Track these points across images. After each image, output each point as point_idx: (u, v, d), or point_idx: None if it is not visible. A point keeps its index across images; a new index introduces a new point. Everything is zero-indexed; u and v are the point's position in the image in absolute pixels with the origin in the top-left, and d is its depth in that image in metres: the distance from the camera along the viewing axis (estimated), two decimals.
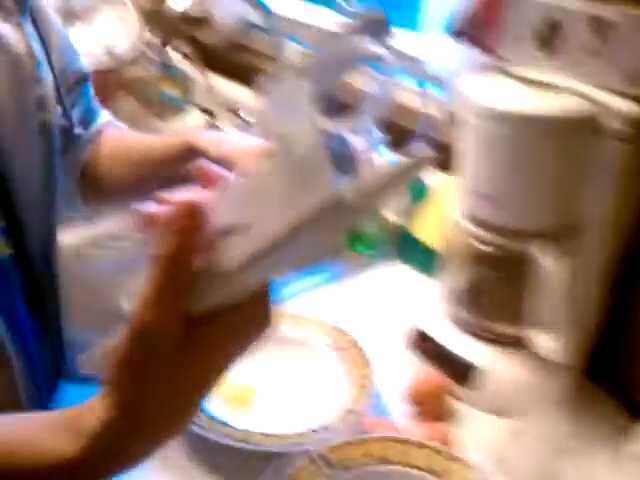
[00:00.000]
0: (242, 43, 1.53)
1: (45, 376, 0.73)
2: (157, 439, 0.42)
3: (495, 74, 0.79)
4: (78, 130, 0.80)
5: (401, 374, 0.84)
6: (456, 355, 0.84)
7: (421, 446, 0.68)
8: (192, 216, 0.40)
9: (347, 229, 0.45)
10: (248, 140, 0.70)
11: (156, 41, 1.57)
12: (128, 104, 1.55)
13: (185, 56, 1.49)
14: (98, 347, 0.44)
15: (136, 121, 1.57)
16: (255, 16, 1.44)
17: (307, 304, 0.97)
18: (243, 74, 1.48)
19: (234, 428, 0.72)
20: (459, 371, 0.83)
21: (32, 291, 0.69)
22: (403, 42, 1.16)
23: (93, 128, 0.84)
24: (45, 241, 0.73)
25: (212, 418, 0.73)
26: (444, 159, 1.09)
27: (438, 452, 0.68)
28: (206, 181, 0.45)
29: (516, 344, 0.81)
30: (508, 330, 0.82)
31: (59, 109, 0.73)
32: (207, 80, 1.47)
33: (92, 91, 0.85)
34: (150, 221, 0.44)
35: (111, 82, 1.41)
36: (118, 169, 0.83)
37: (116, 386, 0.41)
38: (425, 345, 0.87)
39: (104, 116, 0.87)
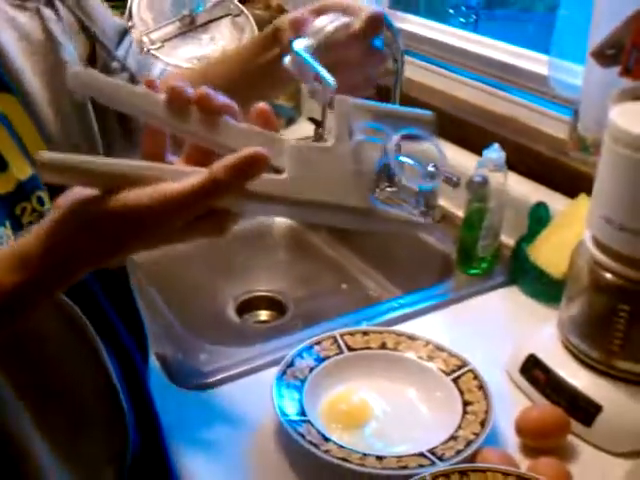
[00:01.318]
0: None
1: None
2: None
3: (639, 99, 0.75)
4: (140, 77, 0.78)
5: (513, 404, 0.81)
6: (573, 388, 0.80)
7: None
8: (256, 166, 0.45)
9: (359, 228, 0.54)
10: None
11: None
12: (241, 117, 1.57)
13: None
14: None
15: (247, 130, 1.59)
16: None
17: (420, 326, 0.95)
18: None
19: (350, 450, 0.71)
20: (575, 405, 0.79)
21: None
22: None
23: (155, 72, 0.83)
24: None
25: (327, 439, 0.72)
26: (567, 183, 1.06)
27: None
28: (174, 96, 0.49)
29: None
30: (634, 367, 0.78)
31: (117, 65, 0.73)
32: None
33: (135, 44, 0.83)
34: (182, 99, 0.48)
35: None
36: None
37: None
38: (540, 375, 0.84)
39: (159, 65, 0.86)
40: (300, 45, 0.67)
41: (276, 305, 1.28)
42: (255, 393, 0.82)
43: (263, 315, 1.28)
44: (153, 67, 0.84)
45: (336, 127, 0.53)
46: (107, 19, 0.76)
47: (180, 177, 0.46)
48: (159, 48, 1.38)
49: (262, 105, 0.52)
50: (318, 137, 1.52)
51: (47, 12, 0.66)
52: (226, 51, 0.80)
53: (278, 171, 0.51)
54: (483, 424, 0.74)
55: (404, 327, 0.94)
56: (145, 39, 1.37)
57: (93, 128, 0.69)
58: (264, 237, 1.40)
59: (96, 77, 0.50)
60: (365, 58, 0.71)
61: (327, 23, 0.68)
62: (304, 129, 1.58)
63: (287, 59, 0.68)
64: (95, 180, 0.47)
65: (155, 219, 0.45)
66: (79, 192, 0.47)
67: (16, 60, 0.62)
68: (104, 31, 0.73)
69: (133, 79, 0.76)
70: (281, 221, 1.43)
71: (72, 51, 0.68)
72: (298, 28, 0.68)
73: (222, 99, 0.50)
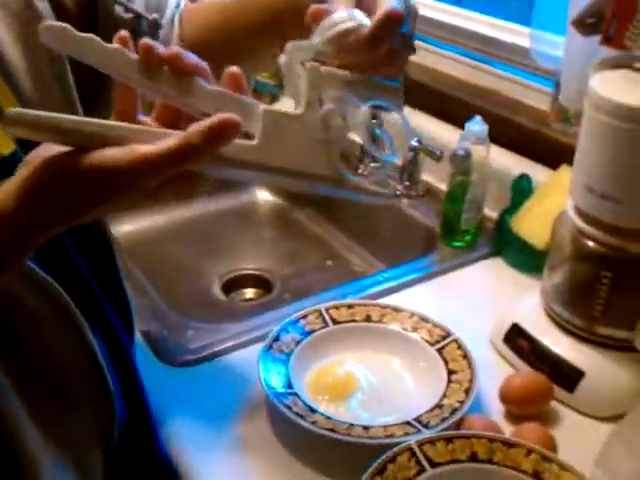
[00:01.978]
0: None
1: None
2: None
3: (621, 67, 0.76)
4: (153, 16, 0.74)
5: (497, 372, 0.82)
6: (556, 355, 0.81)
7: (529, 450, 0.66)
8: (229, 131, 0.46)
9: (326, 194, 0.55)
10: None
11: None
12: None
13: None
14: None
15: None
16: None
17: (405, 299, 0.96)
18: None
19: (336, 421, 0.71)
20: (558, 371, 0.80)
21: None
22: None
23: (170, 10, 0.77)
24: None
25: (314, 410, 0.73)
26: (549, 155, 1.07)
27: (545, 457, 0.66)
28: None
29: (622, 347, 0.78)
30: (615, 333, 0.79)
31: (121, 10, 0.71)
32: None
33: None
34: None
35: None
36: (210, 30, 0.76)
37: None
38: (523, 343, 0.84)
39: (172, 1, 0.79)
40: (293, 50, 0.59)
41: (262, 283, 1.28)
42: (242, 368, 0.83)
43: (249, 293, 1.28)
44: (167, 4, 0.77)
45: (307, 94, 0.53)
46: None
47: (151, 139, 0.47)
48: None
49: (234, 69, 0.52)
50: None
51: None
52: None
53: (249, 136, 0.51)
54: (467, 392, 0.74)
55: (389, 300, 0.95)
56: None
57: (74, 98, 0.68)
58: (249, 215, 1.40)
59: (69, 32, 0.50)
60: (378, 63, 0.62)
61: (337, 22, 0.58)
62: (287, 106, 1.56)
63: (282, 59, 0.64)
64: (65, 137, 0.47)
65: (131, 180, 0.46)
66: (51, 148, 0.47)
67: None
68: None
69: (140, 20, 0.73)
70: (266, 199, 1.43)
71: (53, 19, 0.66)
72: (316, 20, 0.58)
73: (194, 59, 0.50)
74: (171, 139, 0.46)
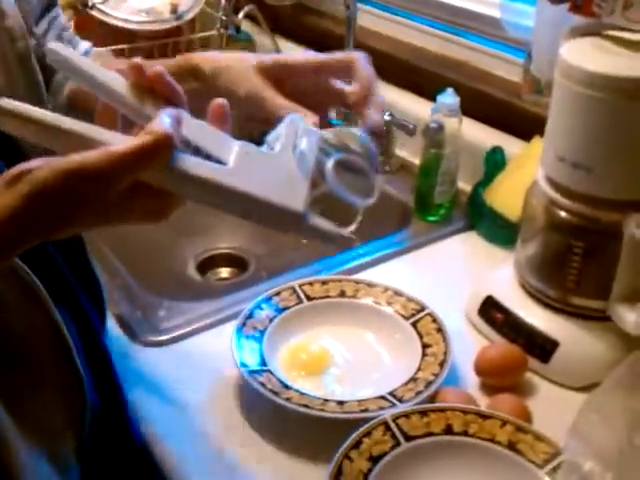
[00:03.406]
0: (308, 5, 1.50)
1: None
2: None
3: (590, 35, 0.75)
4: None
5: (472, 344, 0.82)
6: (530, 326, 0.81)
7: (504, 422, 0.66)
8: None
9: (276, 229, 0.55)
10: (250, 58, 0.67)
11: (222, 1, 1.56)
12: None
13: (251, 18, 1.47)
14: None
15: None
16: None
17: (380, 274, 0.95)
18: (310, 37, 1.46)
19: (310, 396, 0.71)
20: (532, 343, 0.80)
21: None
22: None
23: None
24: None
25: (288, 387, 0.72)
26: (522, 127, 1.06)
27: (519, 428, 0.66)
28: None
29: (596, 317, 0.78)
30: (589, 303, 0.79)
31: (33, 41, 0.69)
32: (275, 43, 1.44)
33: (66, 22, 0.80)
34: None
35: (178, 44, 1.40)
36: None
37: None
38: (498, 315, 0.84)
39: (86, 45, 0.82)
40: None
41: (237, 262, 1.27)
42: (215, 347, 0.82)
43: (224, 272, 1.27)
44: (77, 45, 0.80)
45: (284, 139, 0.56)
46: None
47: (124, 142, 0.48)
48: (104, 2, 1.33)
49: (219, 102, 0.54)
50: None
51: None
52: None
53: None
54: (442, 365, 0.74)
55: (364, 275, 0.94)
56: None
57: (38, 79, 0.67)
58: None
59: (74, 58, 0.54)
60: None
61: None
62: None
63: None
64: (44, 132, 0.48)
65: (113, 177, 0.46)
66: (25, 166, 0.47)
67: None
68: (27, 2, 0.70)
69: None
70: None
71: (11, 1, 0.65)
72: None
73: (172, 83, 0.53)
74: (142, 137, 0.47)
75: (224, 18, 1.22)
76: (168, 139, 0.47)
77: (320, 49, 1.40)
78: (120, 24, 1.33)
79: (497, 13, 1.11)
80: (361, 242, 1.17)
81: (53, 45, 0.54)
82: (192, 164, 0.49)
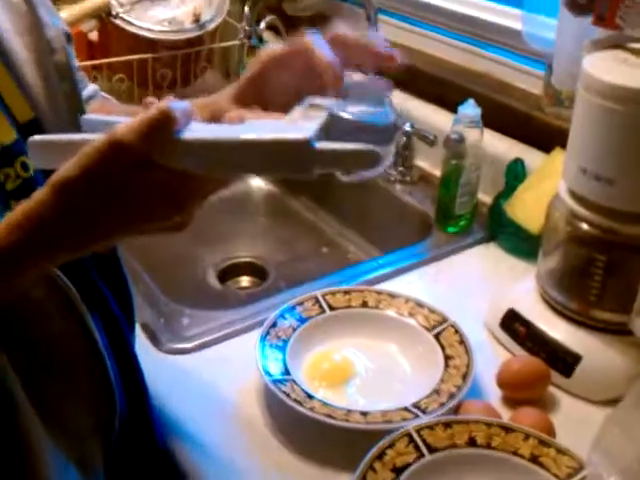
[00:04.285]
0: (329, 15, 1.51)
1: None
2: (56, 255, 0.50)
3: (613, 48, 0.75)
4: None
5: (494, 357, 0.82)
6: (552, 339, 0.81)
7: (527, 435, 0.67)
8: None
9: (292, 171, 0.52)
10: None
11: (243, 12, 1.57)
12: (212, 76, 1.55)
13: (271, 28, 1.48)
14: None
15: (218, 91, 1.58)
16: None
17: (400, 285, 0.96)
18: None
19: (334, 407, 0.71)
20: (554, 356, 0.80)
21: None
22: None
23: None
24: None
25: (311, 397, 0.73)
26: (543, 138, 1.07)
27: (542, 442, 0.66)
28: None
29: (618, 331, 0.78)
30: (611, 317, 0.79)
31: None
32: None
33: (76, 60, 0.79)
34: None
35: (200, 54, 1.41)
36: None
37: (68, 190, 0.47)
38: (520, 328, 0.85)
39: (93, 87, 0.83)
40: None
41: (257, 271, 1.27)
42: (238, 355, 0.83)
43: (245, 281, 1.28)
44: (84, 88, 0.80)
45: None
46: (52, 19, 0.74)
47: None
48: (128, 11, 1.35)
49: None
50: None
51: None
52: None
53: None
54: (465, 377, 0.74)
55: (385, 286, 0.95)
56: (114, 2, 1.34)
57: (77, 90, 0.68)
58: (243, 203, 1.39)
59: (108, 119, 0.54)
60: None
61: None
62: None
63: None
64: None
65: (112, 150, 0.47)
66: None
67: None
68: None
69: None
70: (260, 187, 1.42)
71: (49, 13, 0.66)
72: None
73: None
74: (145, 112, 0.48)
75: (247, 28, 1.22)
76: (171, 110, 0.47)
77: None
78: (143, 33, 1.34)
79: (518, 25, 1.12)
80: (382, 252, 1.19)
81: (87, 116, 0.56)
82: (197, 129, 0.50)
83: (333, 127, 0.53)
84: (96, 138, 0.48)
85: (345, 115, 0.55)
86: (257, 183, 1.42)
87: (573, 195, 0.79)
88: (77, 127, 0.68)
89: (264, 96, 0.64)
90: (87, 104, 0.79)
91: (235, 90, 0.65)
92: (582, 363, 0.78)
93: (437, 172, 1.15)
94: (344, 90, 0.60)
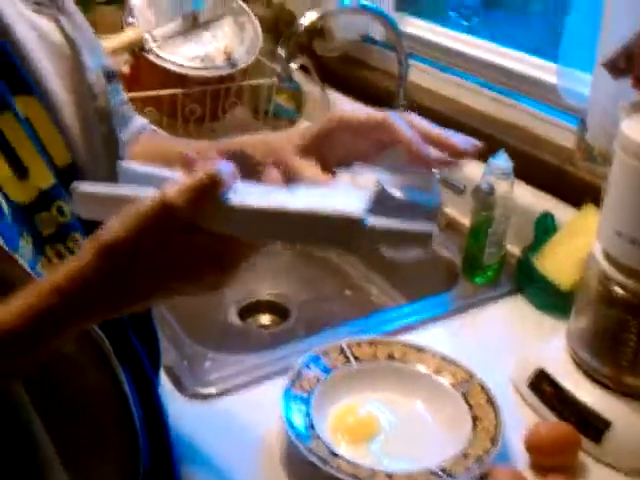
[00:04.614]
0: (360, 58, 1.52)
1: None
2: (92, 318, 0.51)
3: None
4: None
5: (521, 418, 0.81)
6: (581, 403, 0.79)
7: None
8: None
9: (341, 247, 0.51)
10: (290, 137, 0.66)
11: (274, 50, 1.58)
12: (241, 112, 1.56)
13: (301, 68, 1.49)
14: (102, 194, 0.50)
15: (247, 130, 1.59)
16: (378, 32, 1.43)
17: (425, 336, 0.95)
18: (359, 89, 1.47)
19: (359, 466, 0.70)
20: (584, 421, 0.78)
21: None
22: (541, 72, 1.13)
23: (130, 130, 0.80)
24: None
25: (335, 454, 0.71)
26: (574, 193, 1.06)
27: None
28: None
29: None
30: None
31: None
32: (324, 93, 1.46)
33: (125, 95, 0.81)
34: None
35: (229, 90, 1.42)
36: None
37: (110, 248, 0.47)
38: (548, 389, 0.83)
39: (141, 120, 0.83)
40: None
41: (279, 309, 1.27)
42: (261, 403, 0.81)
43: (266, 319, 1.27)
44: (133, 121, 0.81)
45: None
46: (99, 56, 0.74)
47: None
48: (161, 46, 1.36)
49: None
50: None
51: (64, 20, 0.65)
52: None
53: None
54: (493, 441, 0.73)
55: (410, 337, 0.94)
56: (147, 37, 1.36)
57: (115, 135, 0.68)
58: None
59: (147, 169, 0.54)
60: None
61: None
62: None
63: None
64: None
65: (160, 213, 0.47)
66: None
67: (38, 62, 0.61)
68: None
69: None
70: None
71: (93, 59, 0.67)
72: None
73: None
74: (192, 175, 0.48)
75: (280, 72, 1.23)
76: (218, 174, 0.47)
77: (369, 102, 1.43)
78: (174, 69, 1.35)
79: (551, 78, 1.11)
80: (406, 297, 1.18)
81: (125, 164, 0.55)
82: (243, 191, 0.49)
83: (380, 201, 0.52)
84: (143, 195, 0.47)
85: (394, 191, 0.54)
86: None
87: (607, 257, 0.78)
88: (114, 173, 0.68)
89: (325, 153, 0.63)
90: (136, 138, 0.80)
91: (301, 142, 0.64)
92: (612, 430, 0.76)
93: (465, 220, 1.14)
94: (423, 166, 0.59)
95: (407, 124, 0.60)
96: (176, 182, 0.47)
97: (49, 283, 0.48)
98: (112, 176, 0.67)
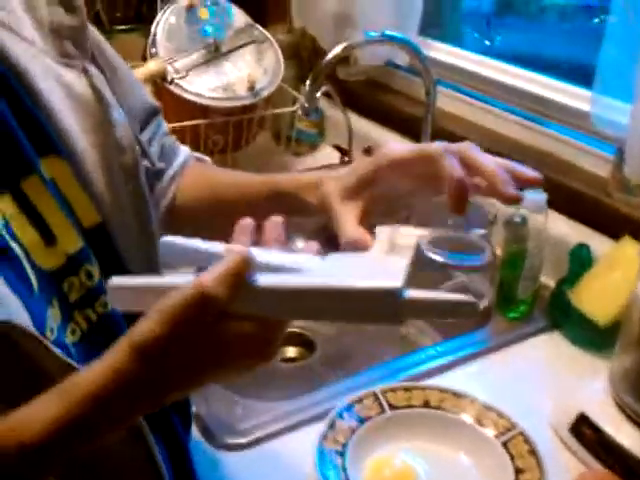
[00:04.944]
0: (383, 82, 1.50)
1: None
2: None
3: None
4: (160, 165, 0.76)
5: (563, 466, 0.78)
6: (627, 451, 0.76)
7: None
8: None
9: (379, 322, 0.49)
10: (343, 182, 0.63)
11: (297, 77, 1.56)
12: (262, 138, 1.55)
13: (324, 94, 1.47)
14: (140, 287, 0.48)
15: (270, 156, 1.57)
16: (401, 57, 1.41)
17: (462, 378, 0.92)
18: (383, 114, 1.45)
19: None
20: (629, 469, 0.75)
21: None
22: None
23: (176, 164, 0.79)
24: None
25: None
26: (610, 225, 1.03)
27: None
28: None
29: None
30: None
31: (138, 149, 0.68)
32: (347, 119, 1.44)
33: (166, 126, 0.80)
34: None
35: (252, 120, 1.40)
36: (199, 202, 0.78)
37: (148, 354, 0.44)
38: (591, 435, 0.80)
39: (185, 151, 0.81)
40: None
41: (304, 342, 1.24)
42: (295, 452, 0.79)
43: (290, 352, 1.24)
44: (178, 153, 0.79)
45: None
46: (138, 95, 0.73)
47: None
48: (183, 77, 1.35)
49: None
50: (342, 163, 1.49)
51: (94, 70, 0.63)
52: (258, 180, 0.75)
53: None
54: None
55: (444, 378, 0.91)
56: (170, 68, 1.34)
57: (144, 194, 0.67)
58: None
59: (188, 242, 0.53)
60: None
61: None
62: (327, 156, 1.55)
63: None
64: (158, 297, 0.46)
65: (195, 304, 0.44)
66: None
67: (64, 119, 0.59)
68: (131, 108, 0.70)
69: (149, 170, 0.72)
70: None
71: (121, 112, 0.65)
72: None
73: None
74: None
75: (303, 101, 1.21)
76: (251, 258, 0.46)
77: (394, 127, 1.41)
78: (197, 100, 1.34)
79: (585, 106, 1.09)
80: (434, 329, 1.15)
81: (165, 239, 0.54)
82: (273, 276, 0.47)
83: (420, 264, 0.50)
84: (178, 284, 0.45)
85: (435, 255, 0.52)
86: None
87: None
88: (143, 232, 0.67)
89: (372, 194, 0.61)
90: (184, 169, 0.78)
91: (344, 186, 0.61)
92: None
93: (496, 251, 1.11)
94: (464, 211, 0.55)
95: (462, 156, 0.56)
96: (213, 269, 0.45)
97: (82, 390, 0.45)
98: (141, 236, 0.66)
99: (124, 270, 0.59)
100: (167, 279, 0.48)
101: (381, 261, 0.50)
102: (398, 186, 0.61)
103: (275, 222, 0.53)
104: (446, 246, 0.54)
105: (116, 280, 0.48)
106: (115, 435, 0.47)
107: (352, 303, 0.45)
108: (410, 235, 0.54)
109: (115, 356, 0.45)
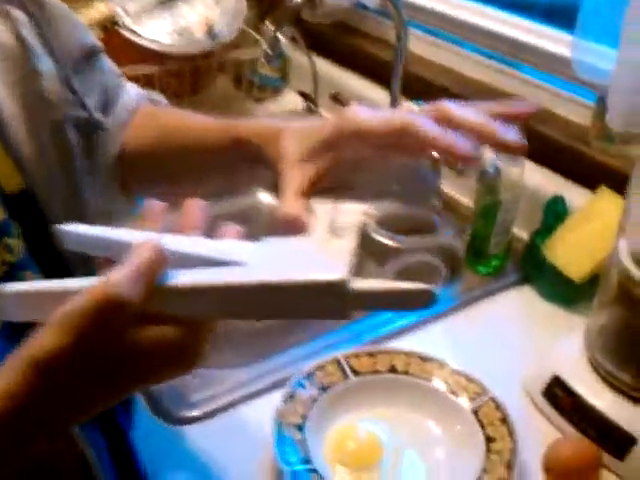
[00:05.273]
0: (352, 25, 1.42)
1: None
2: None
3: None
4: (97, 115, 0.66)
5: (537, 431, 0.74)
6: (603, 416, 0.72)
7: None
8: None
9: (322, 317, 0.41)
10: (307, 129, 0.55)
11: (259, 19, 1.47)
12: (222, 82, 1.47)
13: (288, 37, 1.39)
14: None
15: (230, 102, 1.50)
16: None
17: (429, 337, 0.87)
18: (351, 58, 1.37)
19: None
20: (605, 435, 0.72)
21: None
22: None
23: (122, 109, 0.69)
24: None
25: None
26: (587, 175, 0.97)
27: None
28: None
29: None
30: None
31: (70, 97, 0.61)
32: (312, 63, 1.36)
33: (110, 65, 0.70)
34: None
35: (211, 65, 1.32)
36: (151, 148, 0.69)
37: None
38: (565, 399, 0.76)
39: (135, 92, 0.72)
40: None
41: None
42: (253, 424, 0.74)
43: None
44: (124, 96, 0.70)
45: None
46: (73, 33, 0.65)
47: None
48: (135, 21, 1.26)
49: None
50: (307, 110, 1.42)
51: (19, 15, 0.56)
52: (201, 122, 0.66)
53: None
54: (509, 467, 0.66)
55: (412, 339, 0.87)
56: (120, 11, 1.25)
57: (72, 151, 0.60)
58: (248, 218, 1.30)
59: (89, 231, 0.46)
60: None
61: None
62: (291, 102, 1.47)
63: None
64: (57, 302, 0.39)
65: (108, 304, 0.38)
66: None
67: None
68: (63, 49, 0.62)
69: (87, 121, 0.64)
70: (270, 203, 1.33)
71: (49, 62, 0.58)
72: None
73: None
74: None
75: (265, 46, 1.12)
76: (159, 247, 0.40)
77: (363, 72, 1.33)
78: (151, 46, 1.25)
79: (563, 50, 1.02)
80: None
81: (66, 227, 0.46)
82: (194, 271, 0.40)
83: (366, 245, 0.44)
84: (81, 287, 0.38)
85: (384, 240, 0.46)
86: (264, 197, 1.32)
87: (634, 257, 0.70)
88: (72, 198, 0.60)
89: (330, 162, 0.53)
90: (134, 112, 0.70)
91: (303, 146, 0.53)
92: (637, 446, 0.70)
93: (464, 199, 1.08)
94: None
95: (439, 118, 0.49)
96: (120, 266, 0.38)
97: None
98: (70, 201, 0.59)
99: (50, 242, 0.52)
100: (69, 282, 0.41)
101: (322, 246, 0.44)
102: (361, 154, 0.53)
103: (194, 203, 0.47)
104: (395, 225, 0.48)
105: (9, 287, 0.40)
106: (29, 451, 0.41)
107: (290, 299, 0.39)
108: (354, 212, 0.47)
109: (10, 377, 0.38)
